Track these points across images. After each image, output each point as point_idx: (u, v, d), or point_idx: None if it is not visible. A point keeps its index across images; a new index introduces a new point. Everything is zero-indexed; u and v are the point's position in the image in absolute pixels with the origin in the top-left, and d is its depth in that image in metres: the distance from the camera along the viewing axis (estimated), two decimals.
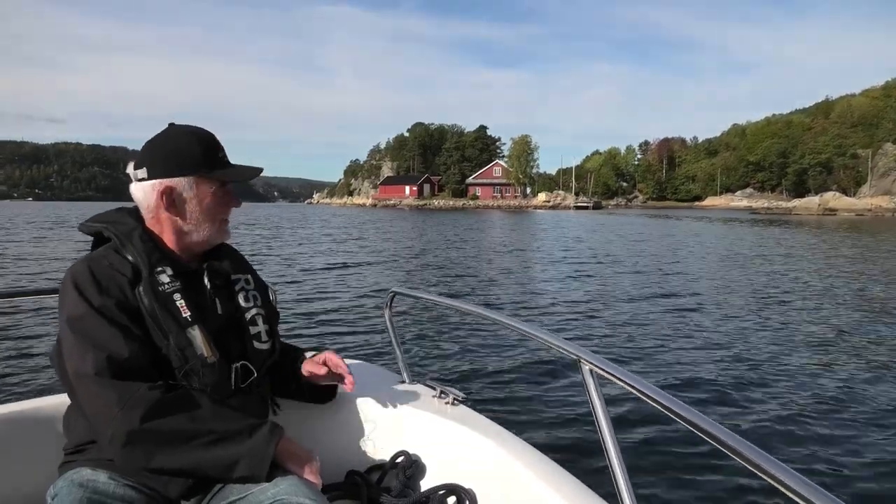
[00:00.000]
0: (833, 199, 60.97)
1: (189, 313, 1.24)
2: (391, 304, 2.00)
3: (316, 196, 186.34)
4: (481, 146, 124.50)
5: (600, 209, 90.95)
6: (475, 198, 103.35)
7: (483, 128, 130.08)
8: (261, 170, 1.37)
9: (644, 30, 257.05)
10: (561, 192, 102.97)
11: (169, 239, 1.31)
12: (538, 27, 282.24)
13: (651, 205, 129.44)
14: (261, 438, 1.19)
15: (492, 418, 1.56)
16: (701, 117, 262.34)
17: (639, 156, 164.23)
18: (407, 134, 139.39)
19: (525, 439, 1.44)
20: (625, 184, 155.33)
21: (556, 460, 1.34)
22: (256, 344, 1.37)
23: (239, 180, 1.35)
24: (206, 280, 1.34)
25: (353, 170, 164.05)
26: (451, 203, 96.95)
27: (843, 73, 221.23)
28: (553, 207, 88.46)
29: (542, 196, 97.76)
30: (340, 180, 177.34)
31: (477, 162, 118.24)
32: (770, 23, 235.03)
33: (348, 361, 1.82)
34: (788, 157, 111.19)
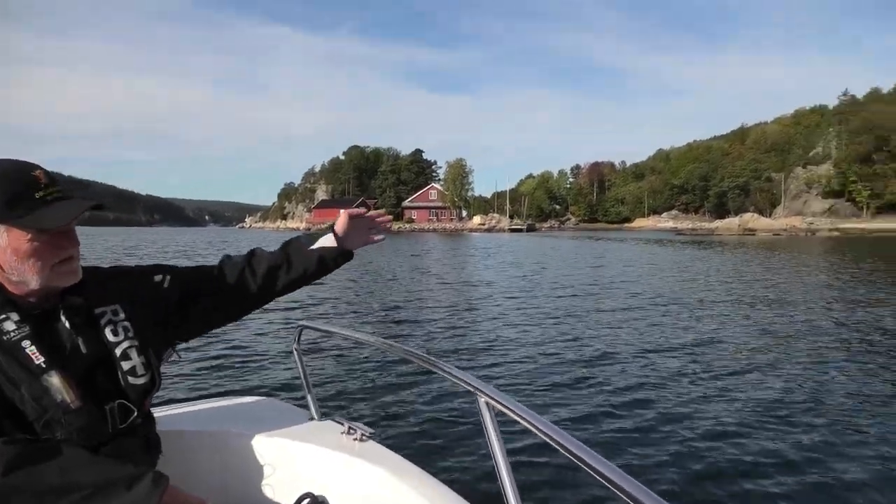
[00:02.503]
0: (751, 219, 63.87)
1: (42, 359, 1.13)
2: (300, 338, 1.93)
3: (248, 220, 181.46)
4: (417, 169, 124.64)
5: (534, 231, 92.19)
6: (411, 221, 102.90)
7: (419, 151, 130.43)
8: (89, 205, 1.18)
9: (576, 57, 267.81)
10: (496, 214, 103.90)
11: (7, 285, 1.17)
12: (474, 52, 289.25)
13: (583, 226, 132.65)
14: (142, 491, 1.09)
15: (400, 453, 1.56)
16: (629, 142, 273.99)
17: (571, 179, 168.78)
18: (342, 157, 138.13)
19: (432, 473, 1.45)
20: (558, 206, 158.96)
21: (460, 493, 1.34)
22: (132, 379, 1.25)
23: (52, 227, 1.14)
24: (63, 319, 1.21)
25: (288, 193, 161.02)
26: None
27: (757, 102, 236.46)
28: (488, 230, 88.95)
29: (477, 219, 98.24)
30: (274, 204, 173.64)
31: (413, 185, 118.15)
32: (691, 54, 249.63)
33: (251, 399, 1.92)
34: (709, 180, 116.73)
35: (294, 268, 1.47)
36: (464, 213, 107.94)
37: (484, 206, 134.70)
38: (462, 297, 12.19)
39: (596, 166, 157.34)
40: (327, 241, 1.46)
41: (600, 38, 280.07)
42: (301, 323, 1.95)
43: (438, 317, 9.81)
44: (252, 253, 1.49)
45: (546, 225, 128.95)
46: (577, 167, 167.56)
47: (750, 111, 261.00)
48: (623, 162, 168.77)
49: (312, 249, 1.46)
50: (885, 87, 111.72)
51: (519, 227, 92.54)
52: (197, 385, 5.67)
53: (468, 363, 6.66)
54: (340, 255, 1.47)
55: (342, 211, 1.52)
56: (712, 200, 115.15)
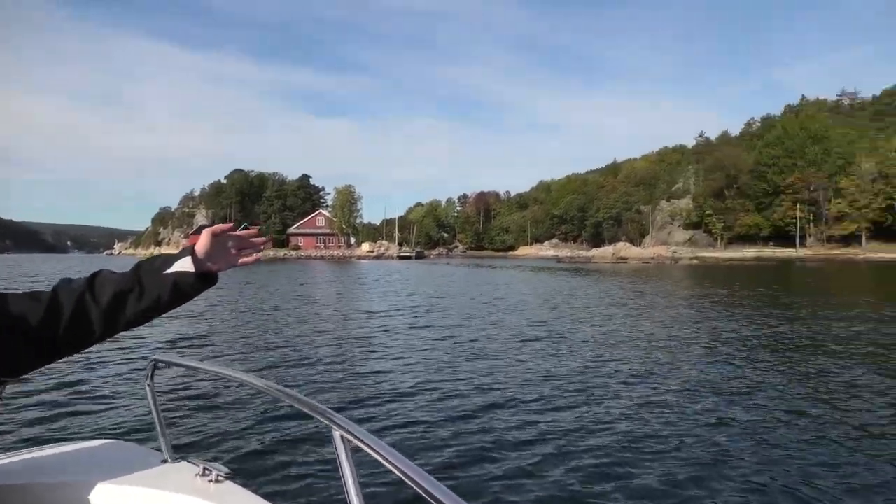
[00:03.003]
0: (623, 248, 68.28)
1: None
2: (153, 373, 1.76)
3: (118, 246, 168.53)
4: (304, 195, 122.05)
5: (423, 259, 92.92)
6: (297, 248, 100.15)
7: (306, 176, 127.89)
8: None
9: (464, 91, 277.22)
10: (385, 242, 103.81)
11: None
12: (365, 79, 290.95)
13: (470, 254, 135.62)
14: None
15: (258, 493, 1.50)
16: (513, 173, 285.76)
17: (458, 208, 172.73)
18: (224, 181, 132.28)
19: None
20: (446, 234, 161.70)
21: None
22: None
23: None
24: None
25: (163, 218, 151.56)
26: (270, 253, 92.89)
27: (628, 140, 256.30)
28: (377, 257, 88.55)
29: (366, 246, 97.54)
30: (148, 229, 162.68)
31: (300, 211, 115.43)
32: (570, 93, 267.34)
33: (95, 443, 1.76)
34: (586, 211, 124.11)
35: (146, 294, 1.23)
36: (352, 240, 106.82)
37: (373, 233, 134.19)
38: (343, 328, 11.93)
39: (482, 196, 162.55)
40: (184, 263, 1.23)
41: (488, 73, 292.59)
42: (155, 357, 1.78)
43: (314, 349, 9.46)
44: (95, 276, 1.25)
45: (435, 252, 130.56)
46: (465, 196, 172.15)
47: (621, 148, 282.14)
48: (508, 192, 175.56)
49: (167, 273, 1.23)
50: (734, 131, 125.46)
51: (408, 254, 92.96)
52: (30, 431, 5.06)
53: (337, 396, 6.43)
54: (200, 280, 1.25)
55: (205, 229, 1.32)
56: (589, 230, 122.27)
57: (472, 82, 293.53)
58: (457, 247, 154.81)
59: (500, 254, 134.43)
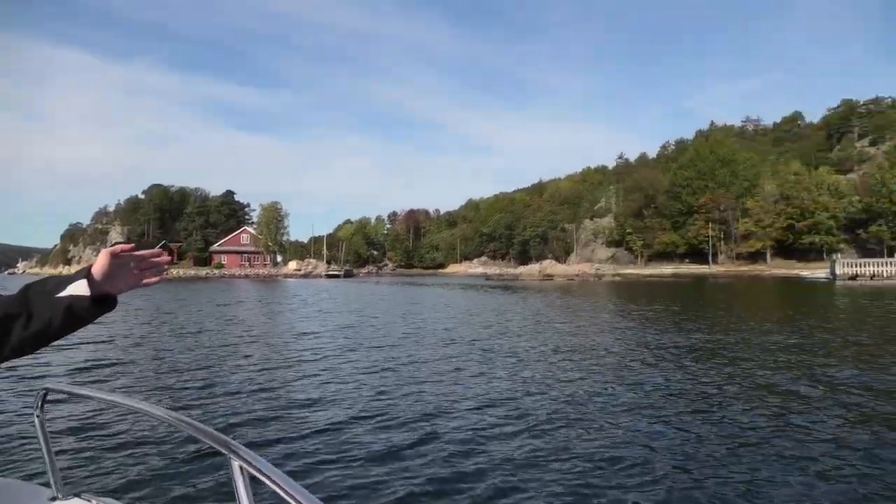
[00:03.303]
0: (550, 265, 69.99)
1: None
2: (43, 403, 1.64)
3: (21, 265, 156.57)
4: (228, 212, 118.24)
5: (352, 277, 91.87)
6: (220, 266, 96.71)
7: (230, 193, 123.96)
8: None
9: (394, 108, 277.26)
10: (313, 260, 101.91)
11: None
12: (294, 94, 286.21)
13: (400, 272, 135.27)
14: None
15: None
16: (443, 191, 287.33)
17: (388, 226, 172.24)
18: (142, 196, 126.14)
19: None
20: (375, 252, 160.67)
21: None
22: None
23: None
24: None
25: (73, 235, 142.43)
26: (192, 272, 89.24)
27: (552, 160, 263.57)
28: (305, 276, 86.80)
29: (292, 264, 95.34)
30: (56, 246, 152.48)
31: (223, 228, 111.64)
32: (498, 114, 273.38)
33: None
34: (514, 229, 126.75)
35: (35, 319, 1.11)
36: (279, 259, 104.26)
37: (300, 251, 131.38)
38: (267, 351, 11.57)
39: (412, 213, 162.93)
40: (80, 286, 1.12)
41: (418, 92, 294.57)
42: (46, 385, 1.65)
43: (235, 374, 9.02)
44: None
45: (364, 270, 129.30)
46: (395, 214, 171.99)
47: (547, 168, 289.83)
48: (437, 210, 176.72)
49: (61, 297, 1.11)
50: (651, 154, 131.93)
51: (336, 272, 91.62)
52: None
53: (253, 424, 6.18)
54: (96, 304, 1.14)
55: (102, 249, 1.19)
56: (517, 248, 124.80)
57: (403, 101, 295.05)
58: (386, 265, 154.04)
59: (430, 271, 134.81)
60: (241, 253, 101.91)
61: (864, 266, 40.43)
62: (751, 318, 16.47)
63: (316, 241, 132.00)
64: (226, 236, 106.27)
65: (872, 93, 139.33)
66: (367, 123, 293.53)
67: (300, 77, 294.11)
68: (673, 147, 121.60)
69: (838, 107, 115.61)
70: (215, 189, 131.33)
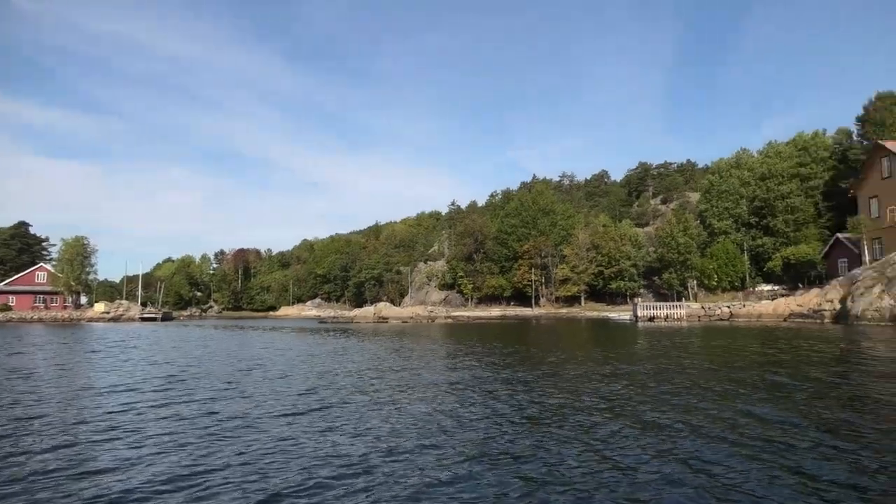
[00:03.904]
0: (384, 308, 70.38)
1: None
2: None
3: None
4: (20, 246, 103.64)
5: (171, 320, 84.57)
6: (7, 308, 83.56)
7: (24, 224, 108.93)
8: None
9: (223, 142, 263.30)
10: (125, 301, 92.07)
11: None
12: (109, 120, 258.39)
13: (227, 315, 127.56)
14: None
15: None
16: (275, 231, 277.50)
17: (214, 265, 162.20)
18: None
19: None
20: (200, 293, 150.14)
21: None
22: None
23: None
24: None
25: None
26: None
27: (388, 204, 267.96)
28: (114, 319, 78.09)
29: (100, 306, 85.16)
30: None
31: (14, 265, 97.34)
32: (336, 156, 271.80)
33: None
34: (349, 270, 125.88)
35: None
36: (83, 300, 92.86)
37: (110, 291, 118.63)
38: (66, 408, 10.12)
39: (241, 253, 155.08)
40: None
41: (251, 128, 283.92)
42: None
43: (24, 439, 7.85)
44: None
45: (186, 313, 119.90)
46: (222, 252, 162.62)
47: (383, 211, 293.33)
48: (269, 250, 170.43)
49: None
50: (481, 201, 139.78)
51: (153, 315, 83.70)
52: None
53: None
54: None
55: None
56: (352, 290, 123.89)
57: (234, 136, 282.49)
58: (212, 307, 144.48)
59: (261, 314, 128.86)
60: (36, 293, 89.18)
61: (659, 309, 46.00)
62: (572, 352, 17.86)
63: (130, 280, 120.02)
64: (16, 274, 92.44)
65: (662, 158, 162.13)
66: (194, 157, 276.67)
67: (120, 103, 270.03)
68: (500, 196, 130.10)
69: (636, 168, 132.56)
70: (4, 220, 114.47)
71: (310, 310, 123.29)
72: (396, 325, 54.74)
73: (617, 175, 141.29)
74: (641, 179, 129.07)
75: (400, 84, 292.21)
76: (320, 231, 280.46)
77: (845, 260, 48.63)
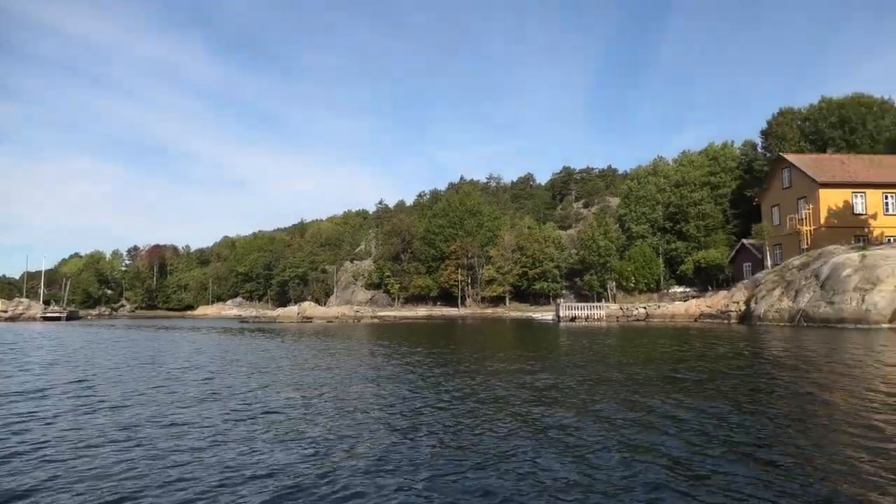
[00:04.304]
0: (309, 307, 69.00)
1: None
2: None
3: None
4: None
5: (77, 319, 79.63)
6: None
7: None
8: None
9: (139, 132, 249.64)
10: (24, 299, 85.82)
11: None
12: (6, 103, 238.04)
13: (140, 314, 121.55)
14: None
15: None
16: (195, 226, 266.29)
17: (127, 261, 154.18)
18: None
19: None
20: (110, 291, 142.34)
21: None
22: None
23: None
24: None
25: None
26: None
27: (315, 201, 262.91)
28: (12, 319, 72.68)
29: None
30: None
31: None
32: (261, 150, 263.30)
33: None
34: (273, 269, 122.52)
35: None
36: None
37: (9, 289, 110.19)
38: None
39: (157, 249, 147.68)
40: None
41: (170, 118, 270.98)
42: None
43: None
44: None
45: (94, 312, 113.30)
46: (136, 248, 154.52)
47: (309, 208, 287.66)
48: (187, 246, 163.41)
49: None
50: (409, 201, 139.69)
51: (57, 314, 78.51)
52: None
53: None
54: None
55: None
56: (275, 289, 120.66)
57: (151, 126, 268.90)
58: (123, 305, 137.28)
59: (178, 313, 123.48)
60: None
61: (580, 310, 47.52)
62: (497, 351, 18.13)
63: (31, 277, 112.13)
64: None
65: (585, 163, 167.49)
66: (106, 147, 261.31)
67: (14, 84, 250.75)
68: (428, 196, 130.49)
69: (560, 172, 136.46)
70: None
71: (230, 309, 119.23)
72: (321, 324, 53.82)
73: (542, 178, 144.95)
74: (565, 183, 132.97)
75: (329, 80, 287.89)
76: (243, 228, 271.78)
77: (749, 264, 51.86)
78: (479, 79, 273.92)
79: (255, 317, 75.91)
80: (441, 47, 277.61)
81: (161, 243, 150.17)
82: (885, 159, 44.86)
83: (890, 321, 27.08)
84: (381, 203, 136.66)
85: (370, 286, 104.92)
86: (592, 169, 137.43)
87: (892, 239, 39.83)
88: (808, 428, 7.53)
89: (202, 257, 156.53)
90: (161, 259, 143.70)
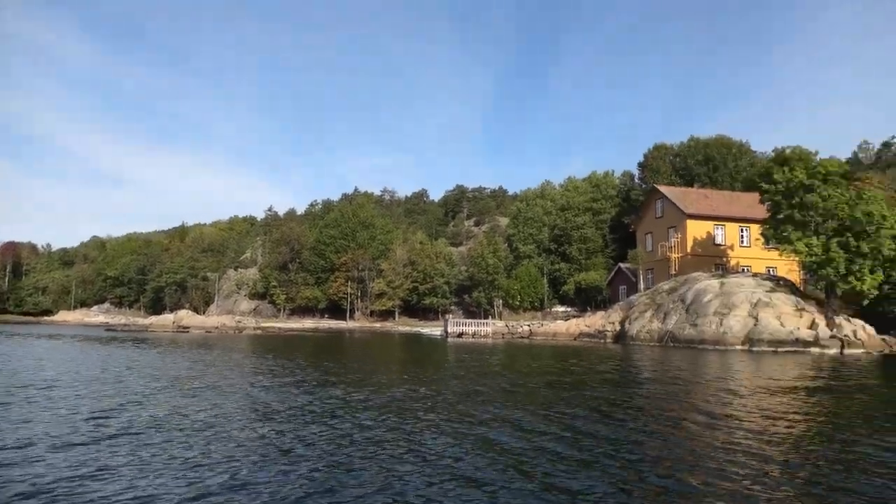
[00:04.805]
0: (186, 316, 64.95)
1: None
2: None
3: None
4: None
5: None
6: None
7: None
8: None
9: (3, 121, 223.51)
10: None
11: None
12: None
13: None
14: None
15: None
16: (58, 224, 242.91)
17: None
18: None
19: None
20: None
21: None
22: None
23: None
24: None
25: None
26: None
27: (198, 204, 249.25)
28: None
29: None
30: None
31: None
32: (138, 146, 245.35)
33: None
34: (147, 274, 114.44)
35: None
36: None
37: None
38: None
39: (11, 246, 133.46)
40: None
41: (30, 104, 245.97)
42: None
43: None
44: None
45: None
46: None
47: (191, 211, 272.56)
48: (48, 245, 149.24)
49: None
50: (300, 210, 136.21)
51: None
52: None
53: None
54: None
55: None
56: (149, 295, 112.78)
57: (23, 114, 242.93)
58: None
59: (33, 319, 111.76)
60: None
61: (468, 326, 48.33)
62: (382, 366, 17.90)
63: None
64: None
65: (478, 183, 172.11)
66: None
67: None
68: (321, 206, 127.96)
69: (453, 190, 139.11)
70: None
71: (96, 315, 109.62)
72: (199, 335, 50.80)
73: (436, 195, 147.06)
74: (458, 201, 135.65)
75: (218, 77, 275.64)
76: (115, 228, 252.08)
77: (625, 287, 55.33)
78: (379, 91, 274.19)
79: (125, 325, 70.38)
80: (343, 55, 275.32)
81: (16, 240, 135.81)
82: (742, 196, 49.70)
83: (742, 343, 29.81)
84: (270, 210, 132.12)
85: (255, 296, 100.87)
86: (484, 188, 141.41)
87: (746, 269, 44.08)
88: (659, 434, 8.06)
89: (66, 258, 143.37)
90: (15, 257, 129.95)
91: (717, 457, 7.02)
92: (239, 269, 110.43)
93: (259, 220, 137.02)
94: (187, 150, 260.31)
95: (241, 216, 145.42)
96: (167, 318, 65.41)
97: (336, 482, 6.09)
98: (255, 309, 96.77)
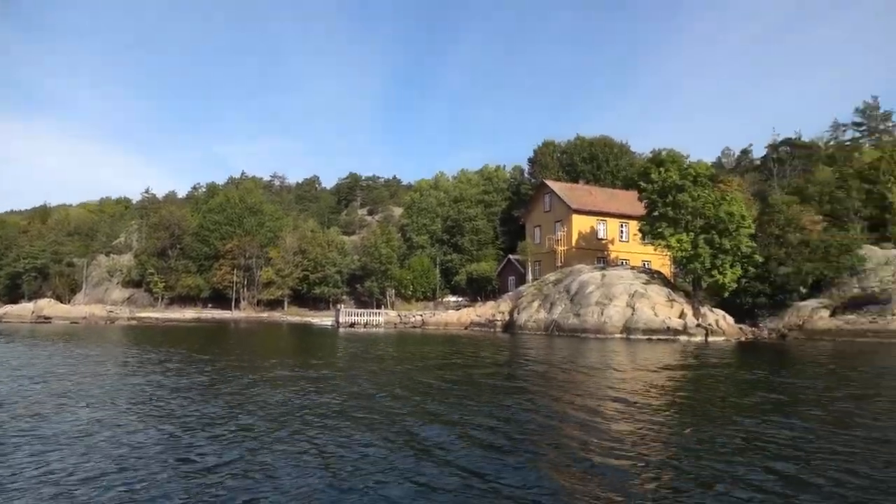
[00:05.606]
0: (48, 305, 59.25)
1: None
2: None
3: None
4: None
5: None
6: None
7: None
8: None
9: None
10: None
11: None
12: None
13: None
14: None
15: None
16: None
17: None
18: None
19: None
20: None
21: None
22: None
23: None
24: None
25: None
26: None
27: (64, 183, 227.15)
28: None
29: None
30: None
31: None
32: None
33: None
34: (1, 258, 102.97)
35: None
36: None
37: None
38: None
39: None
40: None
41: None
42: None
43: None
44: None
45: None
46: None
47: (56, 190, 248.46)
48: None
49: None
50: (181, 193, 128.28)
51: None
52: None
53: None
54: None
55: None
56: (4, 281, 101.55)
57: None
58: None
59: None
60: None
61: (360, 316, 47.85)
62: (268, 359, 17.25)
63: None
64: None
65: (372, 171, 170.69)
66: None
67: None
68: (204, 189, 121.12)
69: (346, 178, 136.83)
70: None
71: None
72: (63, 325, 46.56)
73: (328, 182, 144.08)
74: (351, 189, 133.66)
75: (87, 43, 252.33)
76: None
77: (514, 277, 57.21)
78: (267, 77, 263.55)
79: None
80: (230, 28, 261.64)
81: None
82: (622, 194, 52.88)
83: (621, 332, 31.82)
84: (147, 192, 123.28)
85: (129, 284, 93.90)
86: (378, 178, 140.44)
87: (625, 262, 47.04)
88: (540, 414, 8.47)
89: None
90: None
91: (585, 429, 7.50)
92: (111, 255, 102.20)
93: (135, 202, 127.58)
94: (53, 125, 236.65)
95: (113, 198, 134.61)
96: (26, 307, 59.39)
97: (234, 487, 5.83)
98: (129, 298, 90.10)
